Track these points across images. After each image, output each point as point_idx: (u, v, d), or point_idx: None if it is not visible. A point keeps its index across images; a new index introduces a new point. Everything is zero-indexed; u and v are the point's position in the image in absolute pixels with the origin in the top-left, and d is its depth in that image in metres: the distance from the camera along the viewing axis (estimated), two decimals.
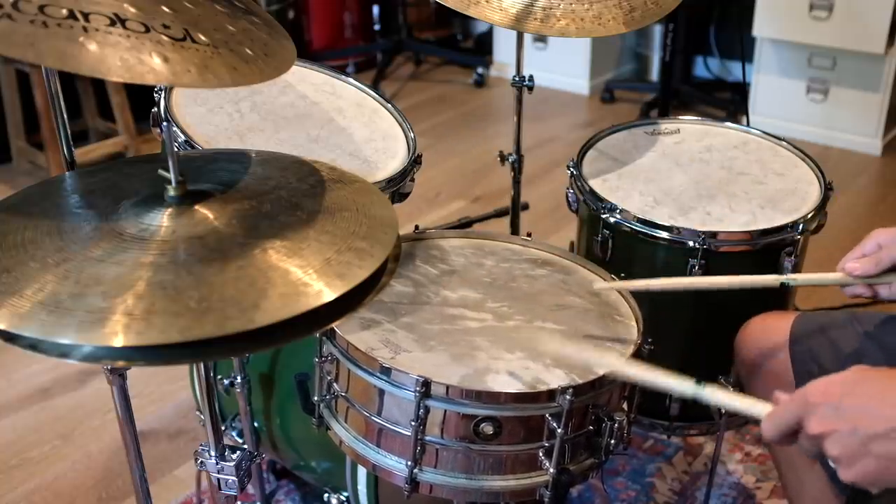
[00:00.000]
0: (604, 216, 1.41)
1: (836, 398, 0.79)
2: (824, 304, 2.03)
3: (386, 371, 1.01)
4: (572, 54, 4.02)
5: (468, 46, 4.67)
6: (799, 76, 3.44)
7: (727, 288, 1.17)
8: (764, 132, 1.66)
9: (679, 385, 0.91)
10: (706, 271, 1.35)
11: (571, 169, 1.51)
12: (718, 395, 0.89)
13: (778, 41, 3.41)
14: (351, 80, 1.59)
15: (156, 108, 1.34)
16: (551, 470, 1.01)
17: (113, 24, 0.81)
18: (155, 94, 1.34)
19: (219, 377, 1.36)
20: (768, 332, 1.23)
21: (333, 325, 1.04)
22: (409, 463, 1.03)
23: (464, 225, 2.13)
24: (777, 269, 1.39)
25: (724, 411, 1.45)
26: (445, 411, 1.00)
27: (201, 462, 1.07)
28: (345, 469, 1.36)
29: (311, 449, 1.49)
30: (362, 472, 1.33)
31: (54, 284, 0.80)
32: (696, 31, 3.94)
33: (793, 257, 1.38)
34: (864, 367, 0.83)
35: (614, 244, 1.43)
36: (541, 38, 4.03)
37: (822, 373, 0.84)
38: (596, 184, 1.48)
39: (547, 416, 1.00)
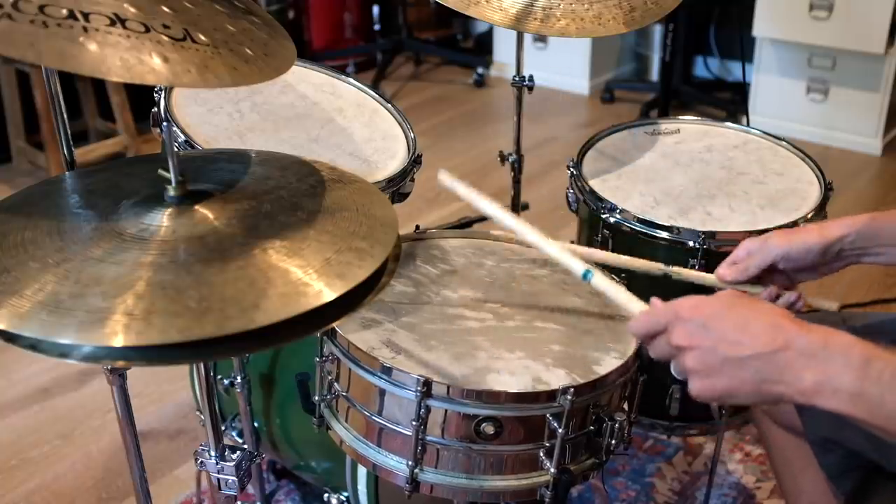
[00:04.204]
0: (604, 216, 1.41)
1: (705, 317, 0.84)
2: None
3: (387, 371, 1.01)
4: (572, 54, 4.02)
5: (468, 46, 4.67)
6: (799, 76, 3.44)
7: (622, 267, 1.19)
8: (764, 132, 1.66)
9: (572, 263, 1.01)
10: (706, 271, 1.35)
11: (571, 169, 1.51)
12: (603, 283, 0.99)
13: (778, 41, 3.41)
14: (351, 80, 1.59)
15: (156, 108, 1.34)
16: (552, 470, 1.01)
17: (113, 24, 0.81)
18: (155, 94, 1.34)
19: (219, 377, 1.36)
20: None
21: (334, 324, 1.04)
22: (410, 463, 1.03)
23: (464, 225, 2.13)
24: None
25: (724, 410, 1.46)
26: (446, 411, 1.00)
27: (201, 462, 1.07)
28: (345, 469, 1.36)
29: (311, 449, 1.49)
30: (362, 472, 1.33)
31: (54, 284, 0.80)
32: (696, 31, 3.94)
33: None
34: (736, 293, 0.89)
35: (614, 244, 1.42)
36: (541, 38, 4.03)
37: None
38: (596, 184, 1.48)
39: (548, 416, 0.99)
